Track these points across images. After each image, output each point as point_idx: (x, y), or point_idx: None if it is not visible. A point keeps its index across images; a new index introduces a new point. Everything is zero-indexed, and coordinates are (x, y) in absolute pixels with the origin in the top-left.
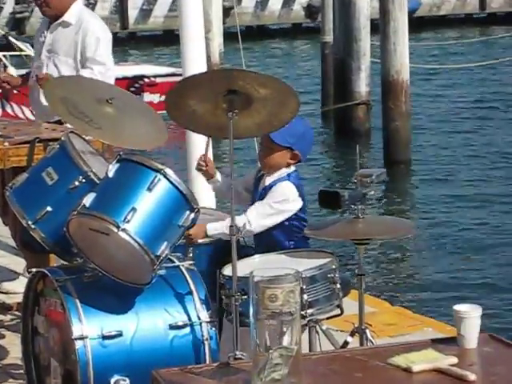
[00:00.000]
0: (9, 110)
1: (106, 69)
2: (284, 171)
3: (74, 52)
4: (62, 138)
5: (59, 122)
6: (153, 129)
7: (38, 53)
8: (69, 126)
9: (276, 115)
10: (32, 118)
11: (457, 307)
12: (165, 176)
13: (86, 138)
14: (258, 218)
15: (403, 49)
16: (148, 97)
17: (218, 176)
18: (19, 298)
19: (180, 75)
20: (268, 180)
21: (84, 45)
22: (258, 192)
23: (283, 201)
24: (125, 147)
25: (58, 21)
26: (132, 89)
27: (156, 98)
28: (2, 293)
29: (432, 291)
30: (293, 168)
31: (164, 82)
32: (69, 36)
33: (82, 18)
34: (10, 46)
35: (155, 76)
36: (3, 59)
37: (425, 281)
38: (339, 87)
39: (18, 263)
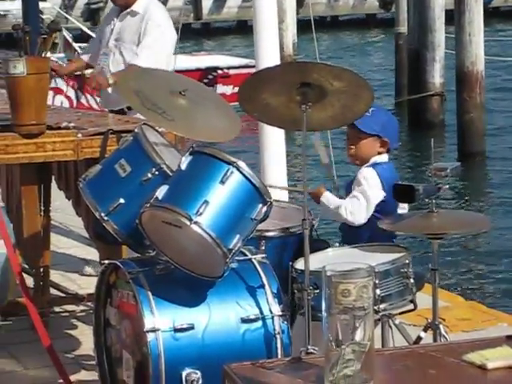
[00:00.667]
0: (83, 101)
1: (154, 52)
2: (373, 160)
3: (138, 39)
4: (136, 130)
5: (122, 112)
6: (226, 121)
7: (105, 40)
8: (139, 116)
9: (350, 108)
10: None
11: None
12: (238, 169)
13: (159, 129)
14: (354, 211)
15: (478, 40)
16: (221, 88)
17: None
18: (91, 289)
19: (253, 67)
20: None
21: (145, 32)
22: (348, 183)
23: (364, 185)
24: (197, 139)
25: (127, 10)
26: (205, 80)
27: (229, 89)
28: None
29: (506, 286)
30: (385, 159)
31: (237, 74)
32: (134, 24)
33: (148, 8)
34: (85, 37)
35: (228, 68)
36: (78, 50)
37: (499, 275)
38: (413, 78)
39: (91, 253)
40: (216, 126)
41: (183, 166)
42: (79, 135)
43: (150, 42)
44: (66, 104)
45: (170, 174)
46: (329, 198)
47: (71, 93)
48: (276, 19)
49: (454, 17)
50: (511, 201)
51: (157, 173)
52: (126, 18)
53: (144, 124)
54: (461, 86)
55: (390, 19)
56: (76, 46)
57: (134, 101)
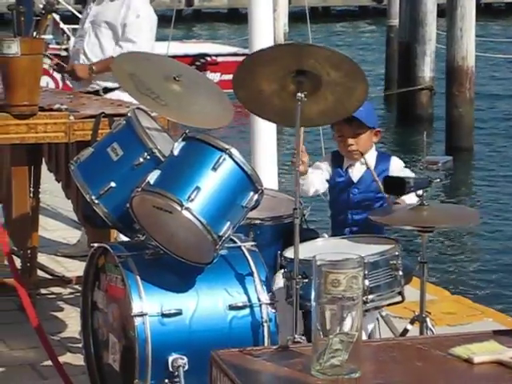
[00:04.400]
0: (69, 83)
1: (137, 46)
2: (373, 150)
3: (116, 26)
4: (128, 114)
5: (96, 93)
6: (219, 108)
7: (82, 22)
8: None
9: (342, 103)
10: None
11: None
12: (230, 156)
13: (152, 114)
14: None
15: (470, 35)
16: (209, 75)
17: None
18: (79, 272)
19: (242, 55)
20: (368, 162)
21: (125, 21)
22: (347, 179)
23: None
24: (190, 125)
25: None
26: (193, 67)
27: (217, 77)
28: (63, 256)
29: (492, 281)
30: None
31: (226, 62)
32: (113, 9)
33: None
34: (75, 19)
35: (217, 55)
36: (67, 32)
37: (486, 270)
38: (403, 71)
39: (78, 237)
40: (209, 112)
41: (176, 152)
42: (71, 117)
43: (132, 35)
44: (52, 85)
45: (162, 159)
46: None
47: (57, 74)
48: (271, 8)
49: (446, 11)
50: (497, 196)
51: (149, 157)
52: (104, 1)
53: (137, 108)
54: (451, 80)
55: (382, 11)
56: (65, 27)
57: (128, 84)
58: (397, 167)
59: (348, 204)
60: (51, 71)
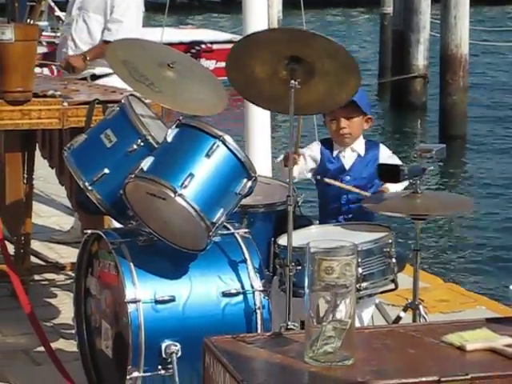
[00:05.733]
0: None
1: (124, 26)
2: (361, 138)
3: (104, 9)
4: (122, 101)
5: (84, 79)
6: (213, 95)
7: (69, 10)
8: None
9: (333, 95)
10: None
11: None
12: (224, 143)
13: (146, 101)
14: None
15: (464, 23)
16: (204, 63)
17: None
18: (72, 258)
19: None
20: (356, 149)
21: (113, 3)
22: (339, 166)
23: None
24: (184, 112)
25: None
26: (188, 54)
27: (212, 64)
28: (56, 242)
29: (486, 269)
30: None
31: (221, 49)
32: None
33: None
34: None
35: (212, 42)
36: (62, 18)
37: (479, 258)
38: (397, 59)
39: (71, 223)
40: (203, 99)
41: (169, 138)
42: (65, 104)
43: (119, 15)
44: (47, 72)
45: (156, 145)
46: (392, 189)
47: None
48: None
49: None
50: (490, 184)
51: (142, 144)
52: None
53: (131, 95)
54: (444, 68)
55: None
56: (60, 14)
57: (122, 71)
58: (385, 154)
59: (340, 192)
60: None
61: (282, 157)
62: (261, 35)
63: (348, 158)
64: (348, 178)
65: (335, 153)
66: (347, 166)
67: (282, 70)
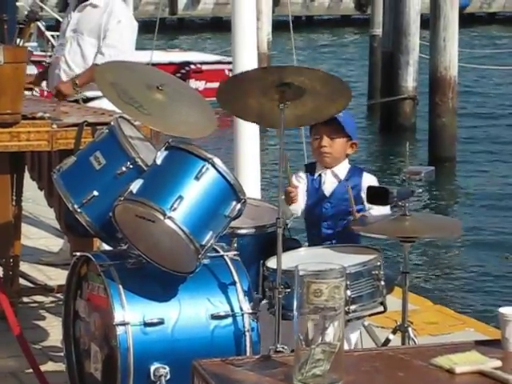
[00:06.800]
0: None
1: (119, 51)
2: (346, 162)
3: (98, 33)
4: (111, 123)
5: (76, 102)
6: (202, 117)
7: (63, 31)
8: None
9: (320, 110)
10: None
11: (502, 310)
12: (213, 165)
13: (135, 123)
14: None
15: (453, 45)
16: (193, 84)
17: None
18: (61, 281)
19: (226, 63)
20: (337, 174)
21: (107, 27)
22: (319, 190)
23: None
24: (173, 135)
25: (87, 2)
26: (178, 75)
27: (201, 85)
28: (45, 264)
29: (475, 291)
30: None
31: (210, 70)
32: (95, 17)
33: (109, 2)
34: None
35: (201, 63)
36: (51, 40)
37: (468, 281)
38: (386, 81)
39: (60, 245)
40: (192, 122)
41: (158, 161)
42: (54, 126)
43: (114, 40)
44: (37, 93)
45: (145, 168)
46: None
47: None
48: (255, 16)
49: (430, 22)
50: (479, 206)
51: (131, 166)
52: (86, 9)
53: (120, 117)
54: (434, 90)
55: (365, 21)
56: (49, 34)
57: (111, 93)
58: (369, 182)
59: (320, 218)
60: None
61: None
62: (248, 73)
63: (329, 184)
64: (328, 205)
65: (316, 175)
66: (327, 193)
67: (272, 93)
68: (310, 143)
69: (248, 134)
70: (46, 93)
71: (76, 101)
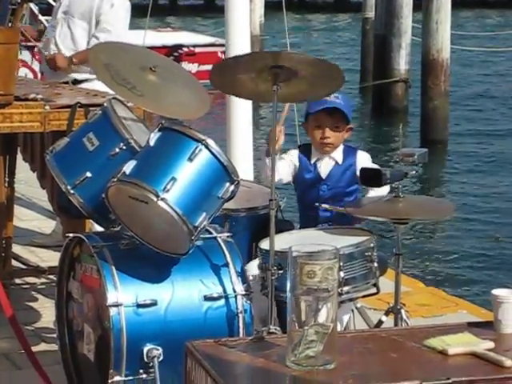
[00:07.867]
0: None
1: (113, 35)
2: (340, 146)
3: (90, 16)
4: (105, 104)
5: (66, 83)
6: (195, 99)
7: (55, 12)
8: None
9: (316, 90)
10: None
11: (495, 292)
12: (206, 146)
13: (128, 104)
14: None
15: (445, 28)
16: (186, 66)
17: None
18: (53, 262)
19: (219, 45)
20: (333, 156)
21: (99, 11)
22: (316, 175)
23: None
24: (166, 116)
25: None
26: (170, 57)
27: (194, 67)
28: (37, 246)
29: (467, 273)
30: None
31: (203, 52)
32: (86, 1)
33: None
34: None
35: (194, 45)
36: (44, 22)
37: (460, 262)
38: (379, 64)
39: (52, 227)
40: (185, 103)
41: (152, 142)
42: (47, 107)
43: (108, 25)
44: (30, 76)
45: (138, 149)
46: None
47: (36, 65)
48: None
49: (422, 4)
50: (471, 188)
51: (125, 148)
52: None
53: (113, 98)
54: (426, 73)
55: (357, 4)
56: (42, 18)
57: (104, 75)
58: (363, 160)
59: (318, 200)
60: (30, 63)
61: (265, 149)
62: (240, 59)
63: (325, 166)
64: (325, 187)
65: (313, 160)
66: (324, 175)
67: (265, 75)
68: (307, 132)
69: (241, 115)
70: (39, 75)
71: (66, 82)
